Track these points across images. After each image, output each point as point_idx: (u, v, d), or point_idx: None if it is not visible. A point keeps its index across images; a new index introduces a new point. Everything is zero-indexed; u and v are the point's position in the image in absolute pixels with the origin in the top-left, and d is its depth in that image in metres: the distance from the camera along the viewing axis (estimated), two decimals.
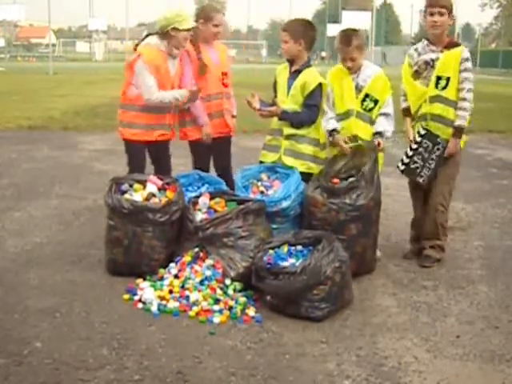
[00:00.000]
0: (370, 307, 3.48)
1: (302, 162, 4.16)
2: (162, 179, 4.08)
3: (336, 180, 3.97)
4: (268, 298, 3.37)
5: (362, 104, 4.05)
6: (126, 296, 3.48)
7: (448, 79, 4.02)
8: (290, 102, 4.16)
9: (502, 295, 3.71)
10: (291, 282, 3.23)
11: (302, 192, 3.96)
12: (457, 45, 4.13)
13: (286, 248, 3.54)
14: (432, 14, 4.01)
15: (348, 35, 4.03)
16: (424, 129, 4.09)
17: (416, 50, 4.20)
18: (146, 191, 3.92)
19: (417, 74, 4.14)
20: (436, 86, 4.05)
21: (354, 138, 4.08)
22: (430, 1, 4.03)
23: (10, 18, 34.20)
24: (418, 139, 4.10)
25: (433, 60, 4.07)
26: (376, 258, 4.06)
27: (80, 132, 10.18)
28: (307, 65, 4.19)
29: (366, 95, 4.05)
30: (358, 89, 4.07)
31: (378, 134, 4.03)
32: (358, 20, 29.55)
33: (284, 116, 4.15)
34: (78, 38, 79.38)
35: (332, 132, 4.08)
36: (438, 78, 4.04)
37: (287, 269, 3.29)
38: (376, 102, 4.06)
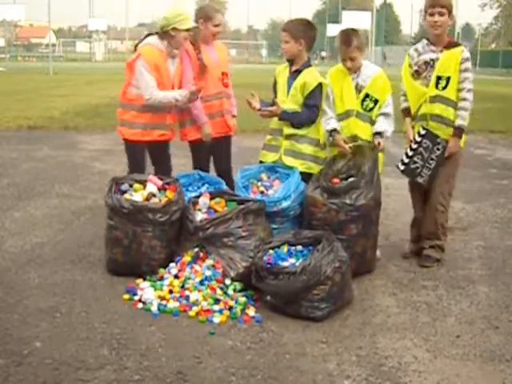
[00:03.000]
0: (369, 307, 3.48)
1: (301, 162, 4.15)
2: (162, 179, 4.08)
3: (336, 180, 3.97)
4: (268, 297, 3.37)
5: (362, 104, 4.06)
6: (126, 296, 3.48)
7: (448, 79, 4.02)
8: (289, 101, 4.15)
9: (502, 295, 3.70)
10: (291, 282, 3.23)
11: (302, 192, 3.96)
12: (457, 45, 4.13)
13: (285, 248, 3.54)
14: (432, 14, 4.01)
15: (348, 35, 4.04)
16: (424, 129, 4.08)
17: (416, 50, 4.20)
18: (146, 191, 3.93)
19: (417, 74, 4.14)
20: (436, 86, 4.04)
21: (354, 138, 4.08)
22: (431, 1, 4.03)
23: (10, 18, 34.24)
24: (418, 139, 4.09)
25: (433, 60, 4.07)
26: (376, 258, 4.07)
27: (80, 132, 10.18)
28: (307, 65, 4.18)
29: (366, 95, 4.06)
30: (358, 89, 4.08)
31: (378, 134, 4.04)
32: (358, 20, 29.57)
33: (284, 116, 4.14)
34: (77, 38, 79.43)
35: (332, 132, 4.10)
36: (438, 78, 4.04)
37: (287, 269, 3.29)
38: (376, 101, 4.06)
